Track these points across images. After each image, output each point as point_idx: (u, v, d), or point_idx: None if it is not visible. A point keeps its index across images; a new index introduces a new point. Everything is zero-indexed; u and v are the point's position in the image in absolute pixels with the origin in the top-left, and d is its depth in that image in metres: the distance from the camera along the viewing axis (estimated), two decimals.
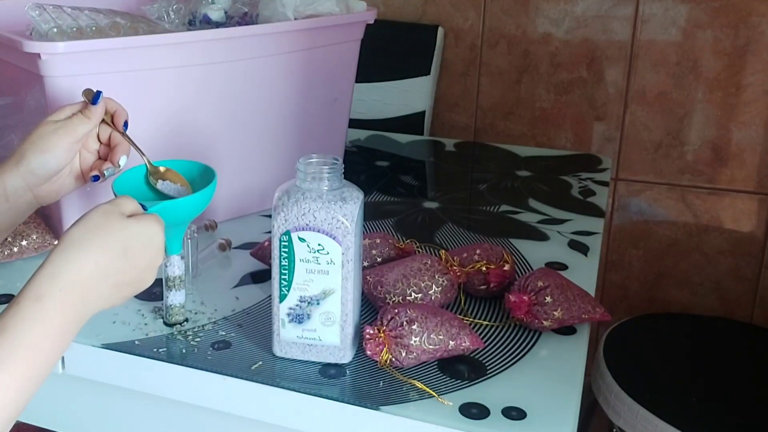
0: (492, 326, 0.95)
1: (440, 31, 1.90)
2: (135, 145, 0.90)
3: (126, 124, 0.89)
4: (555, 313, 0.90)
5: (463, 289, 0.99)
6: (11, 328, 0.62)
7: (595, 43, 1.81)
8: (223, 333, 0.92)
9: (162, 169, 0.91)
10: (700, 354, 1.51)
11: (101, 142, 0.90)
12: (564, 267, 1.10)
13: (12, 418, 0.62)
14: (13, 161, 0.84)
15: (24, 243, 1.06)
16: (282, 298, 0.84)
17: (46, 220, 1.09)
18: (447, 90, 1.96)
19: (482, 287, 0.99)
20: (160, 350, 0.89)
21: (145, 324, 0.94)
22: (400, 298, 0.92)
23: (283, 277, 0.84)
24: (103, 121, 0.89)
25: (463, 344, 0.85)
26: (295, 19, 1.20)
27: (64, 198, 0.94)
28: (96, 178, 0.87)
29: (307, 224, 0.81)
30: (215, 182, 0.88)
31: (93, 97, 0.87)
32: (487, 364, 0.87)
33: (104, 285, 0.69)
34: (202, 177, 0.91)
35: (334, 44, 1.27)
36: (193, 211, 0.87)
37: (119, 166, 0.88)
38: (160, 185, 0.90)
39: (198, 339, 0.91)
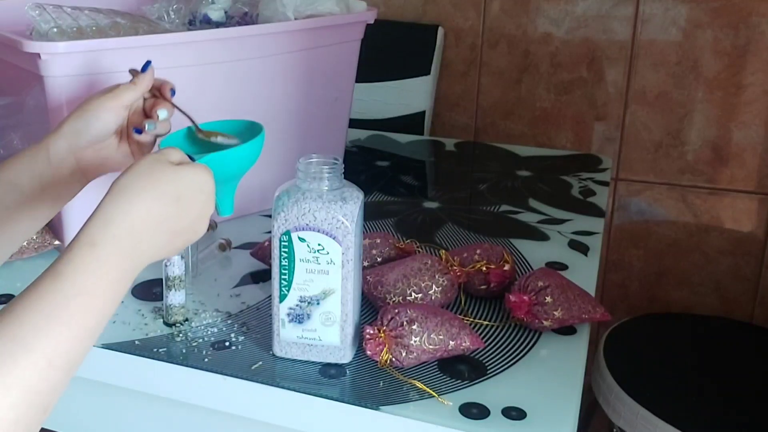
0: (492, 326, 0.95)
1: (440, 31, 1.90)
2: (182, 111, 0.87)
3: (173, 92, 0.87)
4: (555, 313, 0.90)
5: (464, 289, 0.99)
6: (66, 274, 0.60)
7: (596, 43, 1.81)
8: (223, 333, 0.92)
9: (210, 131, 0.88)
10: (700, 354, 1.51)
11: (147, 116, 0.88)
12: (564, 267, 1.10)
13: (69, 371, 0.60)
14: (58, 126, 0.82)
15: (24, 243, 1.06)
16: (282, 298, 0.84)
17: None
18: (447, 90, 1.96)
19: (482, 287, 0.99)
20: (160, 350, 0.89)
21: (145, 324, 0.94)
22: (400, 298, 0.92)
23: (283, 277, 0.84)
24: (151, 96, 0.87)
25: (463, 344, 0.85)
26: (295, 19, 1.20)
27: None
28: (138, 131, 0.84)
29: (307, 224, 0.81)
30: (263, 134, 0.85)
31: (142, 67, 0.86)
32: (487, 364, 0.87)
33: (157, 233, 0.67)
34: (250, 133, 0.87)
35: (335, 44, 1.27)
36: (243, 165, 0.84)
37: (158, 118, 0.85)
38: (214, 139, 0.88)
39: (198, 339, 0.91)
